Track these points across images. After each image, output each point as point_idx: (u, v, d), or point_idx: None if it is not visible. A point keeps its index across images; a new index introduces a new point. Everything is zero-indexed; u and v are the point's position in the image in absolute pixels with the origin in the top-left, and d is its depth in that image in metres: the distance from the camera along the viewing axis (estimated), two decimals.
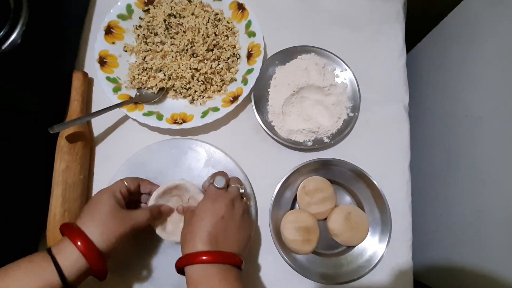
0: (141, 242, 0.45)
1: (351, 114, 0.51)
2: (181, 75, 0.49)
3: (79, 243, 0.31)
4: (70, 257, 0.31)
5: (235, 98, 0.49)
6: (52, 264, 0.30)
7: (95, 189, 0.49)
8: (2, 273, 0.30)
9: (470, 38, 0.52)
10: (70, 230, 0.33)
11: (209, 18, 0.51)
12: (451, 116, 0.53)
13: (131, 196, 0.40)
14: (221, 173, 0.41)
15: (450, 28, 0.56)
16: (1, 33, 0.42)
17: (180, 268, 0.34)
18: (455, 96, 0.52)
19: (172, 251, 0.45)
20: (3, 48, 0.42)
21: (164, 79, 0.49)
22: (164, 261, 0.44)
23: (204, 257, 0.32)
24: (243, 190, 0.40)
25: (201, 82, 0.50)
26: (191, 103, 0.51)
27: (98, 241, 0.33)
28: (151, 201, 0.41)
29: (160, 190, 0.41)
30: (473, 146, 0.48)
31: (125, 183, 0.39)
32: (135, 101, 0.49)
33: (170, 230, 0.41)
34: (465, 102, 0.50)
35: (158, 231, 0.41)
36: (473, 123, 0.48)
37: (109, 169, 0.47)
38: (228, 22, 0.53)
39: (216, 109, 0.48)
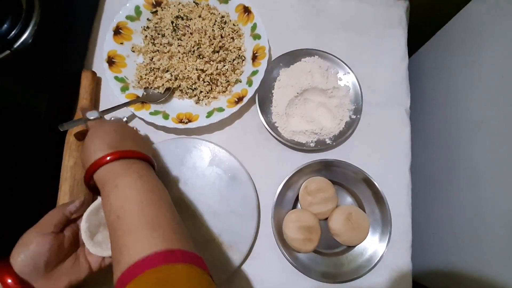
0: None
1: (353, 117, 0.52)
2: (188, 75, 0.50)
3: (8, 281, 0.30)
4: None
5: (240, 99, 0.50)
6: None
7: None
8: None
9: (471, 43, 0.53)
10: (0, 263, 0.32)
11: (215, 21, 0.53)
12: (452, 120, 0.54)
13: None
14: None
15: (452, 33, 0.57)
16: (13, 32, 0.43)
17: (89, 182, 0.34)
18: (456, 100, 0.53)
19: None
20: (15, 47, 0.43)
21: (170, 79, 0.50)
22: None
23: (107, 158, 0.32)
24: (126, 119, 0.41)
25: (207, 83, 0.51)
26: (196, 103, 0.52)
27: (20, 265, 0.31)
28: (83, 222, 0.37)
29: (90, 209, 0.38)
30: (473, 150, 0.48)
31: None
32: (142, 101, 0.50)
33: (98, 240, 0.37)
34: (466, 107, 0.51)
35: (84, 236, 0.36)
36: (473, 127, 0.49)
37: None
38: (234, 25, 0.54)
39: (221, 110, 0.49)
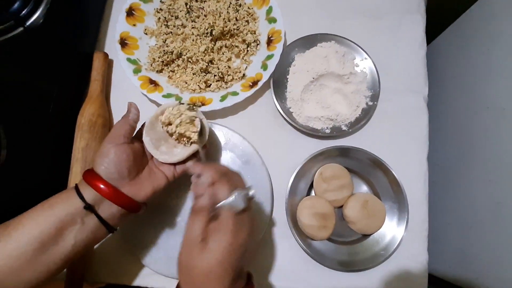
0: (158, 222, 0.45)
1: (370, 103, 0.50)
2: (201, 58, 0.49)
3: (101, 186, 0.32)
4: (91, 193, 0.32)
5: (255, 83, 0.49)
6: (77, 195, 0.32)
7: None
8: (44, 202, 0.33)
9: (493, 30, 0.51)
10: (86, 173, 0.34)
11: (230, 3, 0.51)
12: (471, 108, 0.52)
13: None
14: (229, 183, 0.31)
15: (473, 20, 0.55)
16: (26, 10, 0.43)
17: None
18: (476, 87, 0.52)
19: None
20: (27, 24, 0.43)
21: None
22: (180, 241, 0.44)
23: None
24: (252, 193, 0.31)
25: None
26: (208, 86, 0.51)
27: (105, 172, 0.33)
28: (144, 136, 0.37)
29: (146, 125, 0.37)
30: (494, 138, 0.47)
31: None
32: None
33: (163, 151, 0.37)
34: (486, 94, 0.50)
35: (149, 147, 0.36)
36: (495, 115, 0.47)
37: None
38: (249, 8, 0.52)
39: (235, 93, 0.48)
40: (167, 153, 0.37)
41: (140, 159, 0.36)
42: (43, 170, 0.45)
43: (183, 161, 0.38)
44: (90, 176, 0.33)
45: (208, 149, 0.41)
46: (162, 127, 0.37)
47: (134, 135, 0.37)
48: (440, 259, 0.54)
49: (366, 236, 0.47)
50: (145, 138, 0.37)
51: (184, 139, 0.38)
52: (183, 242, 0.30)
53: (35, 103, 0.44)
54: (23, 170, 0.42)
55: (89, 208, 0.32)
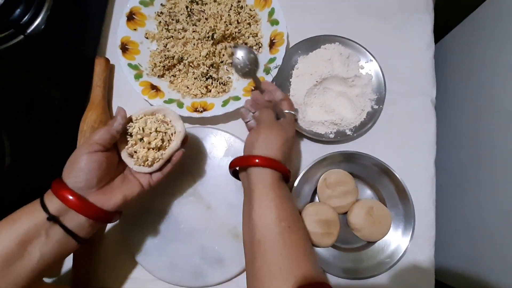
0: (161, 229, 0.45)
1: (376, 107, 0.49)
2: (202, 63, 0.48)
3: (68, 196, 0.31)
4: (56, 204, 0.32)
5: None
6: (41, 207, 0.31)
7: None
8: (8, 217, 0.32)
9: (504, 29, 0.49)
10: (54, 183, 0.33)
11: (231, 5, 0.50)
12: (481, 111, 0.51)
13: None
14: (290, 101, 0.44)
15: (483, 18, 0.53)
16: (26, 17, 0.42)
17: (240, 166, 0.38)
18: (486, 90, 0.50)
19: (191, 239, 0.45)
20: (28, 32, 0.42)
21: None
22: (183, 248, 0.44)
23: (271, 163, 0.35)
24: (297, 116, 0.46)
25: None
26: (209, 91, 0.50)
27: (72, 181, 0.32)
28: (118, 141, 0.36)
29: (137, 115, 0.37)
30: (503, 143, 0.45)
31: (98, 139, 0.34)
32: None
33: (141, 154, 0.35)
34: (497, 97, 0.48)
35: (124, 155, 0.36)
36: (504, 119, 0.46)
37: None
38: (250, 10, 0.51)
39: (237, 98, 0.48)
40: (142, 159, 0.36)
41: (114, 167, 0.36)
42: (47, 176, 0.45)
43: (159, 169, 0.37)
44: (57, 185, 0.32)
45: (186, 152, 0.39)
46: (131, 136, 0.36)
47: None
48: (447, 266, 0.53)
49: (371, 243, 0.46)
50: (120, 146, 0.36)
51: (155, 149, 0.36)
52: (262, 124, 0.38)
53: (38, 110, 0.44)
54: (27, 177, 0.42)
55: (53, 219, 0.31)
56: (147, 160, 0.36)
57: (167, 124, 0.37)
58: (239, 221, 0.45)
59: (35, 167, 0.43)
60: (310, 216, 0.44)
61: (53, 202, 0.31)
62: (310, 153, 0.48)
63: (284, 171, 0.36)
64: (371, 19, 0.53)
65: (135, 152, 0.36)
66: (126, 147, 0.36)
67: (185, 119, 0.49)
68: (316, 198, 0.48)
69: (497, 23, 0.51)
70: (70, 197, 0.31)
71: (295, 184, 0.46)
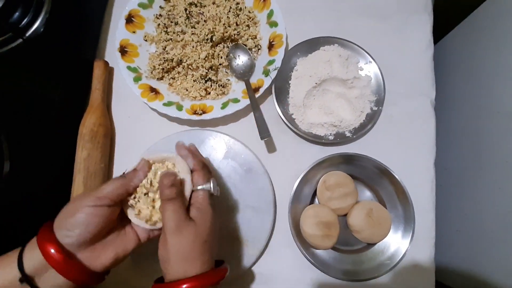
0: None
1: (375, 108, 0.49)
2: (201, 65, 0.48)
3: (51, 250, 0.27)
4: (37, 258, 0.28)
5: (256, 89, 0.48)
6: (16, 262, 0.28)
7: None
8: None
9: (503, 30, 0.49)
10: (42, 230, 0.29)
11: (230, 7, 0.50)
12: (481, 111, 0.51)
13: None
14: (207, 173, 0.34)
15: (482, 19, 0.53)
16: (25, 20, 0.42)
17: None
18: (486, 90, 0.50)
19: None
20: (26, 35, 0.42)
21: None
22: None
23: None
24: (212, 189, 0.33)
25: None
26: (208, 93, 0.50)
27: (63, 234, 0.28)
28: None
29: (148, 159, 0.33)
30: (505, 143, 0.45)
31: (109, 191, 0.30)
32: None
33: (144, 212, 0.32)
34: (497, 97, 0.48)
35: (130, 214, 0.32)
36: (504, 119, 0.46)
37: (129, 158, 0.47)
38: (249, 12, 0.51)
39: (236, 101, 0.48)
40: (148, 214, 0.32)
41: (113, 222, 0.31)
42: (46, 180, 0.45)
43: None
44: (45, 234, 0.28)
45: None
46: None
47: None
48: (448, 267, 0.53)
49: (371, 245, 0.46)
50: (131, 202, 0.32)
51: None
52: (168, 230, 0.29)
53: (37, 113, 0.44)
54: (26, 181, 0.42)
55: (26, 281, 0.27)
56: (150, 219, 0.32)
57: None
58: (239, 224, 0.45)
59: (34, 170, 0.43)
60: (310, 218, 0.44)
61: (34, 255, 0.28)
62: (309, 155, 0.48)
63: (213, 281, 0.29)
64: (370, 20, 0.53)
65: (136, 204, 0.32)
66: (129, 198, 0.32)
67: (184, 122, 0.49)
68: (316, 200, 0.48)
69: (497, 24, 0.50)
70: (55, 254, 0.27)
71: (295, 186, 0.46)
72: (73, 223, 0.28)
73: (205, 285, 0.29)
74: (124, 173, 0.33)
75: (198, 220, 0.30)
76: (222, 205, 0.46)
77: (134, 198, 0.32)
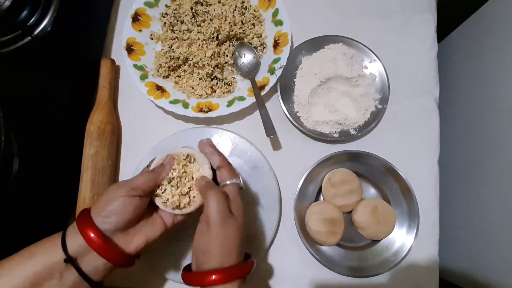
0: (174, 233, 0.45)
1: (379, 106, 0.49)
2: (207, 63, 0.49)
3: (91, 234, 0.30)
4: (78, 242, 0.30)
5: (261, 87, 0.48)
6: (60, 245, 0.30)
7: (122, 176, 0.50)
8: (25, 250, 0.31)
9: (507, 28, 0.49)
10: (81, 216, 0.31)
11: (236, 6, 0.51)
12: (485, 110, 0.51)
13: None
14: (233, 169, 0.35)
15: (487, 17, 0.53)
16: (33, 19, 0.43)
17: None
18: (490, 89, 0.50)
19: None
20: (35, 33, 0.43)
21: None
22: (190, 247, 0.45)
23: (227, 277, 0.30)
24: (241, 183, 0.35)
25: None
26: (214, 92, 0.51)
27: (102, 221, 0.31)
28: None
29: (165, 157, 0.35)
30: (508, 141, 0.46)
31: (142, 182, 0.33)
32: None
33: (171, 200, 0.34)
34: (501, 96, 0.48)
35: (158, 201, 0.35)
36: (509, 117, 0.46)
37: (136, 156, 0.48)
38: (254, 10, 0.52)
39: (242, 98, 0.48)
40: (175, 201, 0.34)
41: (144, 210, 0.34)
42: (54, 177, 0.45)
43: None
44: (84, 221, 0.30)
45: None
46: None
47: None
48: (452, 264, 0.53)
49: (375, 241, 0.46)
50: (158, 192, 0.34)
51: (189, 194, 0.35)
52: (212, 222, 0.31)
53: (45, 111, 0.45)
54: (35, 178, 0.43)
55: (70, 261, 0.29)
56: (179, 205, 0.34)
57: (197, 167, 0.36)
58: (245, 220, 0.45)
59: (43, 168, 0.43)
60: (315, 215, 0.45)
61: (75, 239, 0.30)
62: (314, 152, 0.49)
63: (246, 273, 0.31)
64: (375, 19, 0.54)
65: (163, 193, 0.34)
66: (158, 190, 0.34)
67: (190, 119, 0.50)
68: (321, 197, 0.48)
69: (501, 22, 0.51)
70: (96, 239, 0.30)
71: (300, 183, 0.46)
72: (111, 210, 0.31)
73: (237, 276, 0.30)
74: (148, 166, 0.36)
75: (236, 213, 0.32)
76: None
77: (161, 189, 0.34)
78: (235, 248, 0.31)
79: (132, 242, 0.33)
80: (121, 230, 0.32)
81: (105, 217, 0.31)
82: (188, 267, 0.34)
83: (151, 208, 0.35)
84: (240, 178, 0.35)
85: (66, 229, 0.32)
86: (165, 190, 0.34)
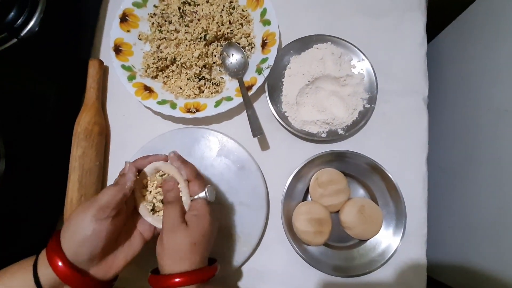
0: None
1: (368, 106, 0.49)
2: (195, 63, 0.49)
3: (58, 263, 0.28)
4: (50, 273, 0.29)
5: (249, 87, 0.48)
6: (31, 272, 0.29)
7: (110, 176, 0.50)
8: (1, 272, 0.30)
9: (496, 28, 0.49)
10: (51, 243, 0.30)
11: (223, 6, 0.51)
12: (473, 109, 0.51)
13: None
14: (202, 182, 0.36)
15: (475, 17, 0.53)
16: (20, 20, 0.43)
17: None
18: (478, 88, 0.50)
19: None
20: (21, 35, 0.43)
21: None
22: None
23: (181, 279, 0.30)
24: (208, 196, 0.35)
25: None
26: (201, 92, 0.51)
27: (72, 252, 0.29)
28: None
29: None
30: (496, 141, 0.45)
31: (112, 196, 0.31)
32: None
33: (159, 209, 0.35)
34: (489, 95, 0.48)
35: (142, 210, 0.35)
36: (497, 117, 0.46)
37: (124, 156, 0.48)
38: (243, 10, 0.52)
39: (229, 99, 0.48)
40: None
41: (121, 230, 0.33)
42: (41, 178, 0.45)
43: None
44: (54, 254, 0.28)
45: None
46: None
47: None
48: (440, 263, 0.53)
49: (363, 241, 0.46)
50: (142, 204, 0.35)
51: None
52: (164, 229, 0.32)
53: (32, 112, 0.45)
54: (22, 179, 0.43)
55: None
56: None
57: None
58: (232, 220, 0.46)
59: (29, 169, 0.43)
60: (302, 215, 0.45)
61: (48, 270, 0.28)
62: (302, 152, 0.49)
63: (202, 278, 0.31)
64: (364, 18, 0.53)
65: (153, 206, 0.35)
66: (145, 203, 0.35)
67: (178, 120, 0.50)
68: (309, 197, 0.48)
69: (490, 21, 0.51)
70: (69, 274, 0.28)
71: (287, 183, 0.46)
72: (81, 242, 0.29)
73: (194, 281, 0.31)
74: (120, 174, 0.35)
75: (192, 224, 0.33)
76: (215, 202, 0.46)
77: (144, 195, 0.35)
78: (184, 255, 0.31)
79: (112, 268, 0.32)
80: (98, 258, 0.30)
81: (77, 248, 0.29)
82: (156, 270, 0.34)
83: (129, 223, 0.35)
84: (207, 191, 0.35)
85: (38, 256, 0.30)
86: (150, 192, 0.35)
